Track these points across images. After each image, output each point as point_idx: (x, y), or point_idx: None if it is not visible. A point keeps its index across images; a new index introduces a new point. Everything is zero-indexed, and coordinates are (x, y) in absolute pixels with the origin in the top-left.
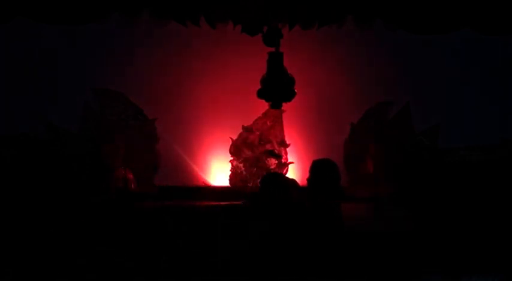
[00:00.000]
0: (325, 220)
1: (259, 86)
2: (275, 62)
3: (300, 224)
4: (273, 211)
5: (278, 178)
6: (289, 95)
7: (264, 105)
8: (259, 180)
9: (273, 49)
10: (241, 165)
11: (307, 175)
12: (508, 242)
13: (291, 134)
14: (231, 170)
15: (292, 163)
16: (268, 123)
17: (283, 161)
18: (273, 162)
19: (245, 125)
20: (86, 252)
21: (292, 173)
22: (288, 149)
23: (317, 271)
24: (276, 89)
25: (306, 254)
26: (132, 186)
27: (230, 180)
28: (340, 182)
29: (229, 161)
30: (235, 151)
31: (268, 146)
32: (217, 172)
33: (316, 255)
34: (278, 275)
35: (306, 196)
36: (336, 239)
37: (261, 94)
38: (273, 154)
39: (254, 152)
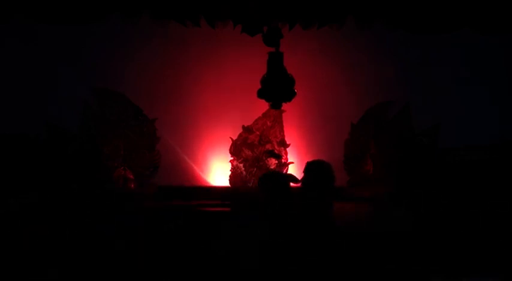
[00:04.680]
0: (316, 219)
1: (259, 86)
2: (275, 62)
3: (298, 223)
4: (272, 211)
5: (276, 176)
6: (289, 95)
7: (264, 105)
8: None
9: (273, 49)
10: (241, 165)
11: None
12: (508, 242)
13: (291, 134)
14: (231, 170)
15: (292, 163)
16: (268, 123)
17: (283, 161)
18: (273, 162)
19: (245, 125)
20: (85, 252)
21: (292, 173)
22: (288, 149)
23: (315, 271)
24: (276, 89)
25: (304, 254)
26: (132, 186)
27: (230, 180)
28: (335, 182)
29: (229, 161)
30: (235, 151)
31: (268, 146)
32: (217, 172)
33: (311, 255)
34: (278, 275)
35: (300, 195)
36: (326, 239)
37: (261, 94)
38: (273, 154)
39: (254, 152)
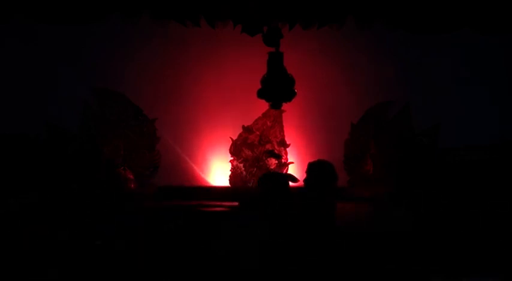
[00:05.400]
0: (317, 219)
1: (259, 86)
2: (275, 62)
3: (298, 223)
4: (272, 211)
5: (276, 176)
6: (289, 95)
7: (264, 105)
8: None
9: (273, 49)
10: (241, 165)
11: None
12: (508, 242)
13: (291, 134)
14: (231, 170)
15: (292, 163)
16: (268, 123)
17: (283, 161)
18: (273, 162)
19: (245, 125)
20: (85, 252)
21: (292, 173)
22: (288, 149)
23: (315, 271)
24: (276, 89)
25: (304, 254)
26: (132, 186)
27: (230, 180)
28: (337, 183)
29: (229, 161)
30: (235, 151)
31: (268, 146)
32: (217, 172)
33: (311, 255)
34: (277, 275)
35: (301, 195)
36: (327, 239)
37: (261, 94)
38: (273, 154)
39: (254, 152)
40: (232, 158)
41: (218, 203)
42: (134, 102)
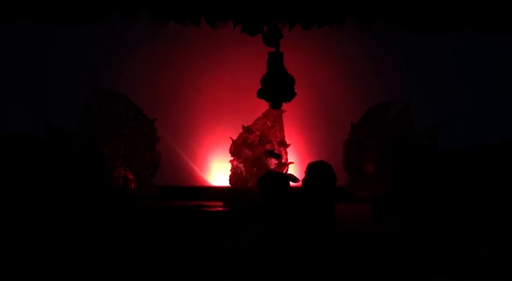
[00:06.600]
0: (317, 219)
1: (259, 86)
2: (275, 62)
3: (297, 223)
4: (271, 211)
5: (276, 176)
6: (289, 95)
7: (264, 106)
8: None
9: (273, 49)
10: (241, 165)
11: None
12: (508, 242)
13: (291, 134)
14: (231, 170)
15: (292, 163)
16: (268, 123)
17: (283, 161)
18: (273, 162)
19: (245, 125)
20: (85, 252)
21: (292, 173)
22: (288, 149)
23: (315, 271)
24: (276, 89)
25: (303, 254)
26: (132, 186)
27: (230, 180)
28: (336, 183)
29: (229, 161)
30: (236, 151)
31: (268, 146)
32: (217, 172)
33: (311, 255)
34: (277, 275)
35: (300, 195)
36: (328, 239)
37: (261, 94)
38: (273, 154)
39: (254, 152)
40: (232, 158)
41: (218, 203)
42: (134, 102)
